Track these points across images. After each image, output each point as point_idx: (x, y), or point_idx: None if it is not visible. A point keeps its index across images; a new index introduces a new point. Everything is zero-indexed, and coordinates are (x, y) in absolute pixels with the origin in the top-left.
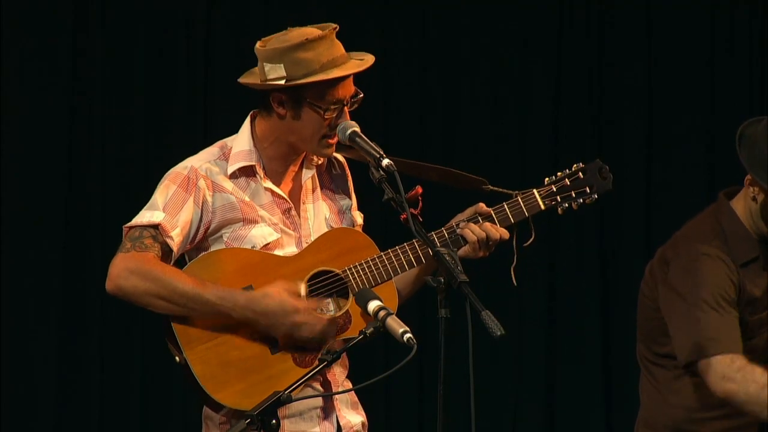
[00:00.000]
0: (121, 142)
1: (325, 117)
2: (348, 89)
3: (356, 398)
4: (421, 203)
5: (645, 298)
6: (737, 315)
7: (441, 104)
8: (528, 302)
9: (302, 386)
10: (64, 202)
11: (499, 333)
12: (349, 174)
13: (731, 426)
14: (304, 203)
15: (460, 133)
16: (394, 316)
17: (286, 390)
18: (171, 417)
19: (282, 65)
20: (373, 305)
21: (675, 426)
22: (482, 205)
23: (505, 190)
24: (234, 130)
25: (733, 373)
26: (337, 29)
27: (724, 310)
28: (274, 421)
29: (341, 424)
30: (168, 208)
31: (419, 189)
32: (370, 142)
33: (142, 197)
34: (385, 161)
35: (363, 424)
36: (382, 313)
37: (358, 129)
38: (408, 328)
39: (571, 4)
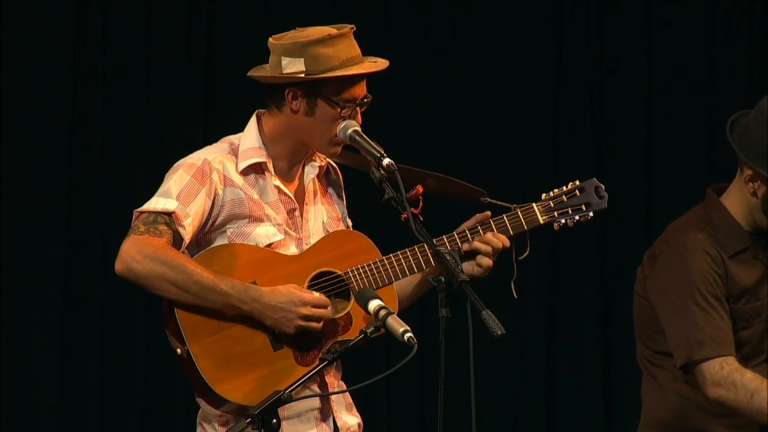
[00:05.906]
0: (122, 142)
1: (341, 114)
2: (362, 89)
3: (351, 400)
4: (421, 203)
5: (639, 297)
6: (725, 308)
7: (441, 105)
8: (528, 302)
9: (301, 387)
10: (65, 201)
11: (499, 332)
12: (342, 181)
13: (735, 424)
14: (307, 204)
15: (459, 135)
16: (394, 315)
17: (286, 389)
18: (172, 416)
19: (302, 59)
20: (373, 304)
21: (678, 426)
22: (487, 213)
23: (503, 203)
24: (235, 128)
25: (722, 379)
26: (355, 29)
27: (711, 306)
28: (274, 421)
29: (338, 425)
30: (181, 197)
31: (420, 188)
32: (371, 142)
33: (142, 197)
34: (386, 161)
35: (359, 425)
36: (382, 313)
37: (359, 128)
38: (408, 328)
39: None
